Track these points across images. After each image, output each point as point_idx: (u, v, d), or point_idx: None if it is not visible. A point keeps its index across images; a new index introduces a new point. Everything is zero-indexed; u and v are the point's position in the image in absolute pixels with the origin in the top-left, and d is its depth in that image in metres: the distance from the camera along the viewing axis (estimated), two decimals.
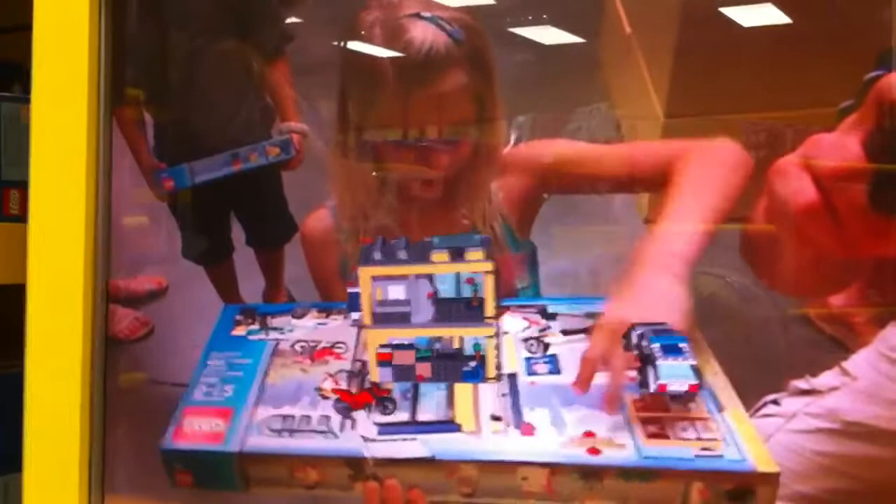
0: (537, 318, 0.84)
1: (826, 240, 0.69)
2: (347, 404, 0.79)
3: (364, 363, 0.80)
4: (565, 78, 0.86)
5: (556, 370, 0.79)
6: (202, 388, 0.83)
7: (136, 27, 0.90)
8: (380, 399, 0.78)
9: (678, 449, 0.70)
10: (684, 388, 0.70)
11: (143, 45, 0.92)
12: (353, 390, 0.80)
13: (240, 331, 0.89)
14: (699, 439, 0.70)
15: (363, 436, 0.76)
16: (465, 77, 0.82)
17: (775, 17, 0.75)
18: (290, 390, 0.81)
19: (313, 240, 0.91)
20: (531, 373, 0.79)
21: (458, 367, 0.77)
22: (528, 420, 0.74)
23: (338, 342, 0.85)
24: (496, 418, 0.75)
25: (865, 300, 0.73)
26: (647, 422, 0.72)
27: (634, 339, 0.72)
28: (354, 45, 0.86)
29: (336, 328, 0.86)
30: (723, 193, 0.77)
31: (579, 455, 0.71)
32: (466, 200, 0.86)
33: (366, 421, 0.77)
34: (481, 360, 0.77)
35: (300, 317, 0.89)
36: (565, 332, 0.82)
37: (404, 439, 0.75)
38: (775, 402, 0.73)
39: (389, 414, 0.77)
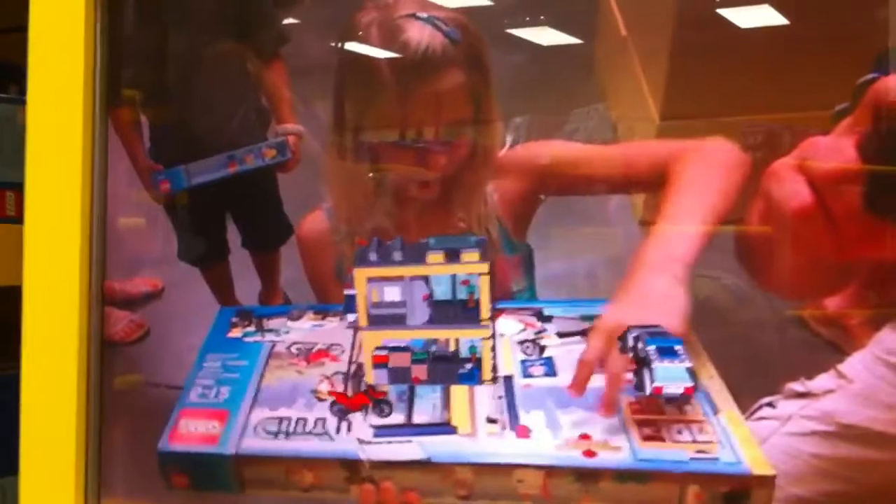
0: (533, 320, 0.84)
1: (821, 242, 0.69)
2: (343, 406, 0.79)
3: (360, 365, 0.80)
4: (563, 79, 0.86)
5: (551, 372, 0.79)
6: (198, 390, 0.83)
7: (133, 29, 0.90)
8: (376, 401, 0.78)
9: (673, 451, 0.70)
10: (680, 390, 0.70)
11: (139, 46, 0.92)
12: (349, 392, 0.80)
13: (236, 333, 0.89)
14: (694, 442, 0.70)
15: (359, 438, 0.76)
16: (461, 77, 0.82)
17: (770, 20, 0.75)
18: (285, 392, 0.81)
19: (309, 242, 0.91)
20: (527, 375, 0.79)
21: (454, 369, 0.77)
22: (524, 422, 0.74)
23: (334, 344, 0.85)
24: (492, 420, 0.75)
25: (861, 302, 0.73)
26: (642, 424, 0.72)
27: (630, 342, 0.72)
28: (351, 46, 0.86)
29: (332, 330, 0.86)
30: (722, 193, 0.77)
31: (575, 457, 0.71)
32: (462, 202, 0.86)
33: (362, 423, 0.77)
34: (477, 362, 0.77)
35: (296, 319, 0.89)
36: (561, 335, 0.82)
37: (400, 441, 0.75)
38: (771, 404, 0.73)
39: (385, 416, 0.77)
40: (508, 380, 0.78)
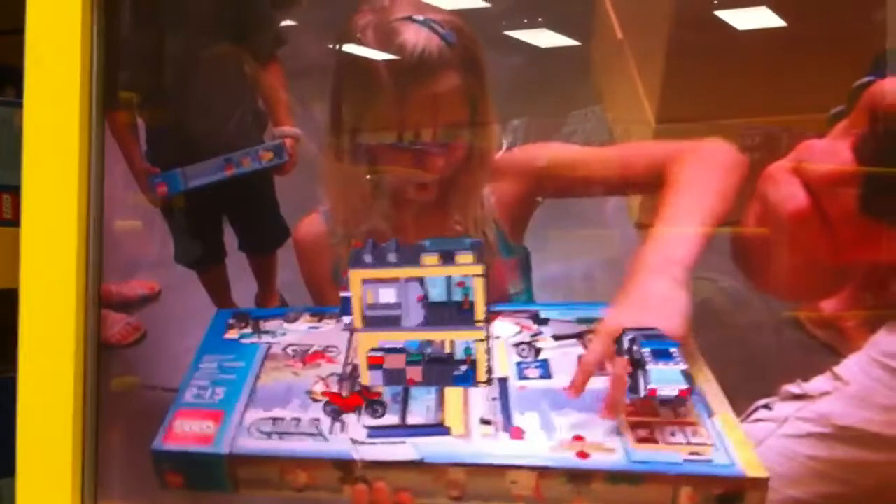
0: (529, 323, 0.84)
1: (817, 244, 0.69)
2: (337, 407, 0.78)
3: (355, 366, 0.80)
4: (560, 81, 0.86)
5: (547, 375, 0.78)
6: (193, 391, 0.83)
7: (129, 31, 0.91)
8: (370, 402, 0.78)
9: (667, 453, 0.69)
10: (674, 392, 0.69)
11: (135, 49, 0.92)
12: (344, 393, 0.79)
13: (232, 334, 0.89)
14: (688, 444, 0.70)
15: (353, 438, 0.76)
16: (457, 79, 0.82)
17: (766, 22, 0.75)
18: (280, 393, 0.81)
19: (306, 244, 0.91)
20: (522, 377, 0.78)
21: (449, 370, 0.77)
22: (518, 424, 0.74)
23: (330, 346, 0.85)
24: (486, 422, 0.75)
25: (857, 304, 0.73)
26: (636, 426, 0.71)
27: (626, 344, 0.71)
28: (348, 49, 0.86)
29: (328, 332, 0.86)
30: (720, 195, 0.76)
31: (568, 459, 0.71)
32: (459, 205, 0.86)
33: (355, 424, 0.77)
34: (472, 364, 0.77)
35: (293, 321, 0.89)
36: (557, 338, 0.82)
37: (394, 442, 0.75)
38: (767, 406, 0.73)
39: (379, 417, 0.77)
40: (503, 382, 0.78)
